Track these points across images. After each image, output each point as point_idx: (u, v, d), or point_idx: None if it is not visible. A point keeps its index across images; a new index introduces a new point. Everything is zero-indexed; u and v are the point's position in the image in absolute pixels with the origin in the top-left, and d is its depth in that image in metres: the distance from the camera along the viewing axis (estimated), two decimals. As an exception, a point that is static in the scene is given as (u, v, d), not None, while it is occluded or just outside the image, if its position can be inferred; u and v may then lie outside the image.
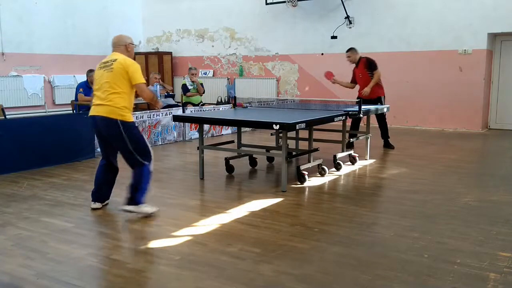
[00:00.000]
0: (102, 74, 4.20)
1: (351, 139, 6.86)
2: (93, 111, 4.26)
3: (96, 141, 7.00)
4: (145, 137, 4.52)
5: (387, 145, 7.87)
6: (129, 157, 4.21)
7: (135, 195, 4.22)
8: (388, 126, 7.86)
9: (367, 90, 7.49)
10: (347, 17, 11.06)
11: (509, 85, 10.19)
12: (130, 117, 4.23)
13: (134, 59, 4.43)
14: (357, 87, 7.89)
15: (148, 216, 4.25)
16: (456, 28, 9.96)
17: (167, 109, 8.73)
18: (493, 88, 10.38)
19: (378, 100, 7.59)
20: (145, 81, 4.29)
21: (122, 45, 4.32)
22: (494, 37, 10.15)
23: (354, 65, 7.89)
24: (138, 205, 4.23)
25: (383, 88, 7.80)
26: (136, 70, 4.18)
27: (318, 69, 11.72)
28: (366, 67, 7.64)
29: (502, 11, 9.45)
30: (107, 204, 4.62)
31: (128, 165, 4.29)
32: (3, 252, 3.48)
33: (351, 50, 7.83)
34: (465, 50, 9.96)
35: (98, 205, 4.52)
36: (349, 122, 6.46)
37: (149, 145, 4.35)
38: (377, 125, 7.82)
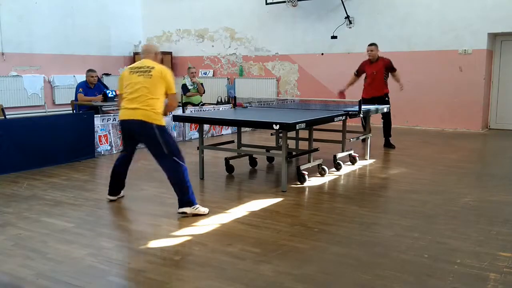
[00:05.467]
0: (137, 78, 4.31)
1: (360, 137, 6.97)
2: (125, 115, 4.33)
3: (95, 140, 7.07)
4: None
5: (388, 145, 7.89)
6: (165, 159, 4.29)
7: (185, 196, 4.29)
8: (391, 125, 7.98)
9: (401, 84, 7.96)
10: (347, 17, 11.06)
11: (509, 85, 10.19)
12: (164, 121, 4.39)
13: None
14: (360, 82, 8.08)
15: (202, 215, 4.30)
16: (456, 28, 9.96)
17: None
18: (493, 88, 10.38)
19: (385, 96, 7.80)
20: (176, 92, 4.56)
21: (152, 53, 4.55)
22: (494, 37, 10.15)
23: (363, 60, 8.09)
24: (193, 206, 4.30)
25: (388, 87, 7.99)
26: (172, 80, 4.43)
27: (318, 69, 11.74)
28: (387, 67, 7.81)
29: (502, 11, 9.45)
30: (122, 196, 4.82)
31: (164, 169, 4.34)
32: (3, 252, 3.48)
33: (375, 45, 7.92)
34: (465, 50, 9.97)
35: (113, 197, 4.75)
36: (349, 121, 6.47)
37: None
38: (379, 125, 7.84)
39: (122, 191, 4.85)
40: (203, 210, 4.35)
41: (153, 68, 4.33)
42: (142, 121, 4.24)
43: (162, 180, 5.39)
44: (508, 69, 10.19)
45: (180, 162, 4.30)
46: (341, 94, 7.98)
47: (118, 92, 4.63)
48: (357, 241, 3.69)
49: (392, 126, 8.00)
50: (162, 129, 4.31)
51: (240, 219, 4.20)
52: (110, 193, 4.76)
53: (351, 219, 4.23)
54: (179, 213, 4.28)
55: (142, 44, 14.18)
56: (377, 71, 7.78)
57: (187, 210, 4.28)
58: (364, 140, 7.20)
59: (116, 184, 4.74)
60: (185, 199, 4.29)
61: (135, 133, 4.38)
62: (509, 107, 10.22)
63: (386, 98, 7.80)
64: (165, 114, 4.53)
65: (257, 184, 5.72)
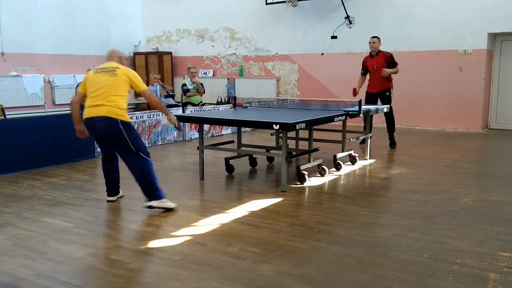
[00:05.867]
0: (101, 77, 4.36)
1: (360, 137, 6.96)
2: (90, 113, 4.33)
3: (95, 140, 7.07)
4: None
5: (392, 140, 7.90)
6: (131, 156, 4.33)
7: (153, 190, 4.36)
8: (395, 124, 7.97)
9: (387, 70, 7.57)
10: (347, 17, 11.05)
11: (509, 85, 10.19)
12: (128, 118, 4.42)
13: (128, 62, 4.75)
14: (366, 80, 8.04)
15: (169, 211, 4.39)
16: (456, 28, 9.96)
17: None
18: (493, 88, 10.38)
19: (387, 91, 7.74)
20: (147, 88, 4.55)
21: (116, 56, 4.61)
22: (494, 37, 10.15)
23: (362, 57, 8.11)
24: (161, 200, 4.37)
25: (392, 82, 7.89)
26: (138, 78, 4.49)
27: (318, 69, 11.74)
28: (388, 61, 7.67)
29: (502, 11, 9.45)
30: (122, 196, 4.86)
31: (130, 165, 4.38)
32: (3, 252, 3.48)
33: (377, 37, 7.86)
34: (465, 50, 9.96)
35: (112, 198, 4.76)
36: (349, 122, 6.47)
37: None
38: (379, 125, 7.83)
39: (121, 191, 4.85)
40: (171, 204, 4.42)
41: (117, 68, 4.42)
42: (107, 117, 4.25)
43: (162, 180, 5.39)
44: (508, 69, 10.18)
45: (146, 157, 4.37)
46: (354, 90, 7.94)
47: (77, 90, 4.61)
48: (357, 241, 3.69)
49: (392, 126, 7.99)
50: (128, 125, 4.35)
51: (240, 219, 4.20)
52: (108, 194, 4.77)
53: (351, 219, 4.23)
54: (147, 207, 4.35)
55: (142, 44, 14.21)
56: (377, 65, 7.71)
57: (154, 203, 4.35)
58: (364, 141, 7.20)
59: (111, 183, 4.74)
60: (153, 193, 4.36)
61: (101, 130, 4.35)
62: (509, 107, 10.21)
63: (387, 93, 7.72)
64: (169, 119, 4.67)
65: (257, 184, 5.72)
